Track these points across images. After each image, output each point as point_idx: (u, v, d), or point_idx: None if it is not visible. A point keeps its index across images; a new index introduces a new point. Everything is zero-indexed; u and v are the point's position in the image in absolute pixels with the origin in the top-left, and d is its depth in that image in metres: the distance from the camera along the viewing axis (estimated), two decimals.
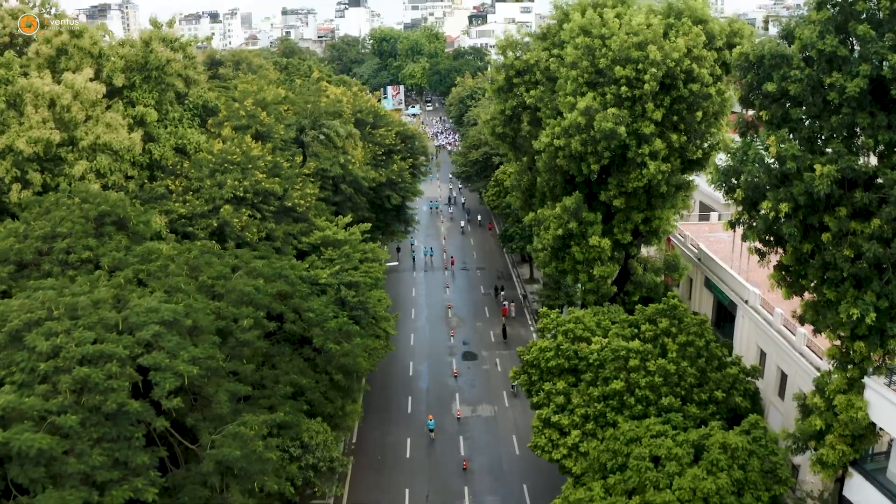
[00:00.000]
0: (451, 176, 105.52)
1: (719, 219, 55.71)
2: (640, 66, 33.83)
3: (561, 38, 40.90)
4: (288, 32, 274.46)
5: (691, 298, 48.36)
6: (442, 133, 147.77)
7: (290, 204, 38.51)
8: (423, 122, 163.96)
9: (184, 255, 29.30)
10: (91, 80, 36.20)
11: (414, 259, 74.72)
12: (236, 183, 37.01)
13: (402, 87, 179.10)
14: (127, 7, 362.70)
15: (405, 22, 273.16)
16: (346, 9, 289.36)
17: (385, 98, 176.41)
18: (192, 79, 43.22)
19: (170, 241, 34.54)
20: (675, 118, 35.41)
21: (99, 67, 40.45)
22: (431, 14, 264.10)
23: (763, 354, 38.79)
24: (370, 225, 41.82)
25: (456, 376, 49.94)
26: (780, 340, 36.23)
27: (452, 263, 72.83)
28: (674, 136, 35.18)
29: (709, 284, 45.84)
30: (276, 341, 33.11)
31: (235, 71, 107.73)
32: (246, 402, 28.10)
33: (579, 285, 39.18)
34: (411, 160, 52.60)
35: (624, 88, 33.95)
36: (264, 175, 38.19)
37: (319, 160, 43.93)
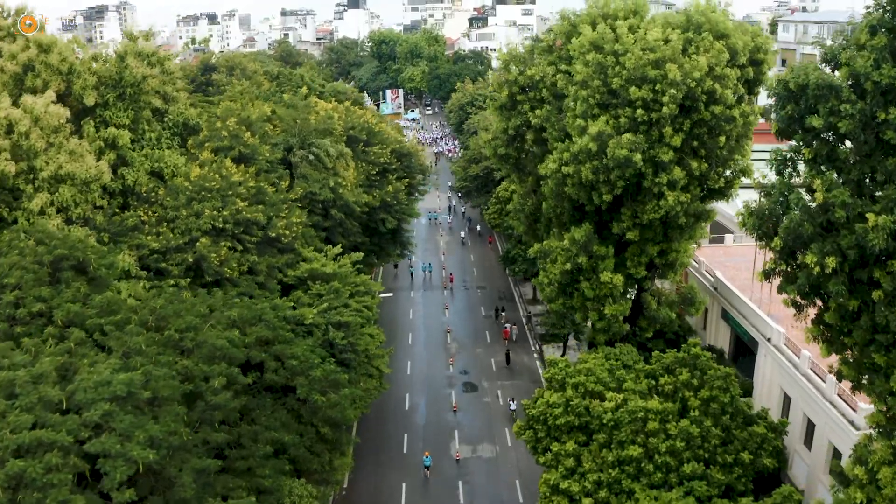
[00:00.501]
0: (450, 184, 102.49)
1: (734, 241, 52.66)
2: (657, 86, 30.75)
3: (568, 52, 37.89)
4: (286, 34, 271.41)
5: (706, 329, 45.29)
6: (442, 139, 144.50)
7: (273, 234, 35.45)
8: (422, 127, 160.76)
9: (149, 305, 26.22)
10: (54, 102, 33.10)
11: (412, 275, 71.63)
12: (215, 213, 33.93)
13: (401, 91, 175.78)
14: (125, 9, 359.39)
15: (405, 23, 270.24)
16: (344, 10, 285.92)
17: (384, 102, 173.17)
18: (171, 96, 40.13)
19: (140, 279, 31.53)
20: (696, 143, 32.31)
21: (69, 85, 37.43)
22: (431, 16, 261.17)
23: (787, 399, 35.70)
24: (361, 255, 38.75)
25: (455, 410, 46.86)
26: (808, 386, 33.15)
27: (451, 280, 69.81)
28: (694, 164, 32.08)
29: (726, 316, 42.75)
30: (255, 392, 30.08)
31: (229, 77, 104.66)
32: (220, 466, 25.07)
33: (589, 324, 36.06)
34: (407, 180, 49.38)
35: (640, 111, 30.86)
36: (246, 203, 35.10)
37: (308, 182, 40.81)
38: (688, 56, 31.85)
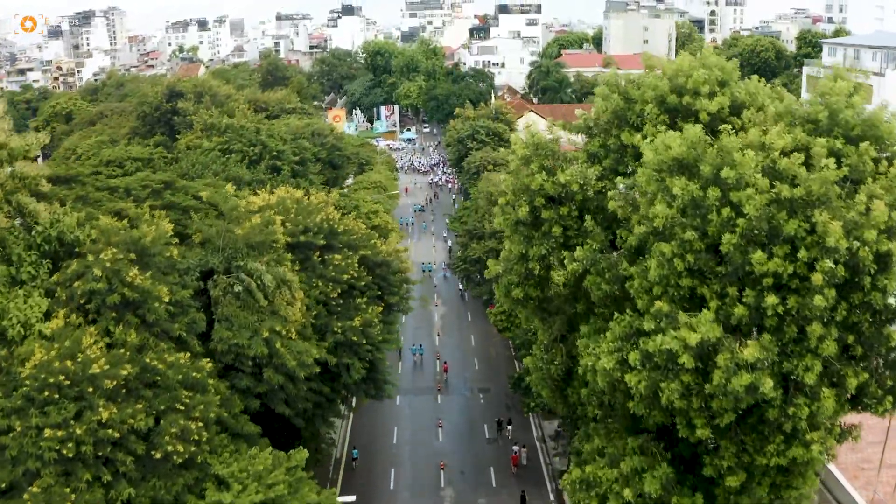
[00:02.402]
0: (447, 222, 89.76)
1: None
2: (801, 251, 17.65)
3: (619, 141, 25.13)
4: (277, 42, 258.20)
5: None
6: (439, 165, 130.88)
7: (159, 456, 22.34)
8: (422, 149, 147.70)
9: None
10: None
11: (400, 355, 58.12)
12: (61, 433, 20.80)
13: (396, 108, 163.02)
14: (113, 14, 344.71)
15: (403, 30, 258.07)
16: (338, 17, 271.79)
17: (378, 119, 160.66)
18: (28, 209, 26.99)
19: None
20: (851, 338, 19.21)
21: None
22: (430, 23, 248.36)
23: None
24: (306, 455, 25.56)
25: None
26: None
27: (446, 371, 57.04)
28: (851, 379, 18.83)
29: None
30: None
31: (197, 105, 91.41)
32: None
33: None
34: (383, 305, 35.50)
35: (771, 299, 17.70)
36: (115, 409, 21.94)
37: (233, 331, 27.64)
38: (840, 185, 18.74)
